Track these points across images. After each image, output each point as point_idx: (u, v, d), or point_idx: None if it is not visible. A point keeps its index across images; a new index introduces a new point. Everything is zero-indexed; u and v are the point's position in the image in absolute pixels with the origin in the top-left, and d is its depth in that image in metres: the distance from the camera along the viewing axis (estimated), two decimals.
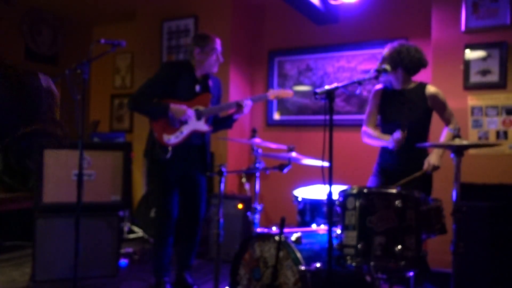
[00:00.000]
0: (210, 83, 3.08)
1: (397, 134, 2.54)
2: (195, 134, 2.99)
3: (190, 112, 2.94)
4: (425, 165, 2.59)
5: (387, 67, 2.59)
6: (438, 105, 2.69)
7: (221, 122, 3.21)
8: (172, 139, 2.93)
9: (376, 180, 2.81)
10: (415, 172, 2.58)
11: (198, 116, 2.98)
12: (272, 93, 3.08)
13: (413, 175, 2.57)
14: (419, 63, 2.67)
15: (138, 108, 3.06)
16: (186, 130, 2.95)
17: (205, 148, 3.09)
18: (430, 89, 2.68)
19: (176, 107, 2.89)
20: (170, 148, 2.91)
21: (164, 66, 3.19)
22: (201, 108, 2.99)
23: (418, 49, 2.69)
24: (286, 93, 3.12)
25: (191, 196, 3.10)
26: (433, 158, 2.59)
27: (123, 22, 5.76)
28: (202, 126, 2.99)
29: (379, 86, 2.86)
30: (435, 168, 2.58)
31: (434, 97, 2.67)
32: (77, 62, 2.67)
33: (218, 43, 3.06)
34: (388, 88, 2.81)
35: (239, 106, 3.02)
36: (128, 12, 5.40)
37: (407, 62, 2.64)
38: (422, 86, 2.70)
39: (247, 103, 3.01)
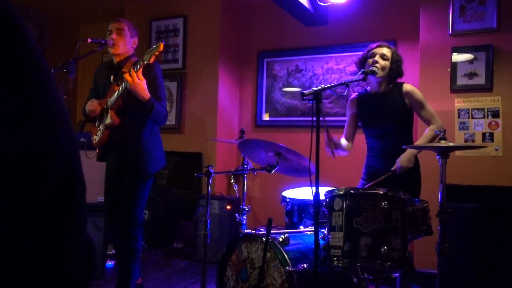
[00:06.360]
0: (124, 69, 2.73)
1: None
2: (115, 130, 2.72)
3: (97, 107, 2.79)
4: (395, 165, 2.56)
5: (375, 69, 2.59)
6: (415, 102, 2.66)
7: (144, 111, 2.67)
8: (96, 139, 2.80)
9: (364, 184, 2.81)
10: (402, 175, 2.56)
11: (106, 109, 2.75)
12: (146, 55, 2.51)
13: (380, 177, 2.57)
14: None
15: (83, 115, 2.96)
16: (101, 126, 2.76)
17: (124, 145, 2.74)
18: (406, 87, 2.67)
19: (89, 105, 2.80)
20: (96, 149, 2.82)
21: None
22: (109, 100, 2.75)
23: None
24: (156, 49, 2.48)
25: (118, 200, 2.78)
26: (403, 159, 2.54)
27: (111, 21, 5.70)
28: (108, 119, 2.70)
29: (353, 95, 2.88)
30: (403, 169, 2.54)
31: (410, 94, 2.65)
32: (64, 60, 2.63)
33: (111, 25, 2.83)
34: (363, 94, 2.82)
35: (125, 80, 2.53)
36: (116, 11, 5.34)
37: (400, 71, 2.69)
38: (398, 86, 2.69)
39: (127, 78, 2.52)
